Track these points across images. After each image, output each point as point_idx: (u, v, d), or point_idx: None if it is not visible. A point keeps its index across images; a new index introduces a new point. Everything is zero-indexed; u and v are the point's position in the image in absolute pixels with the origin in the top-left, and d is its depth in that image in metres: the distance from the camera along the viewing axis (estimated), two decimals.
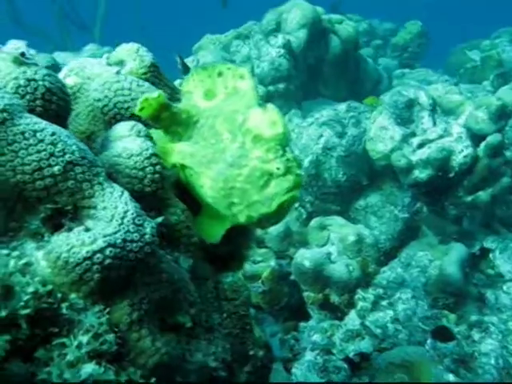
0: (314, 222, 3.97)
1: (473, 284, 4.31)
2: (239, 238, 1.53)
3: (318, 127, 4.55)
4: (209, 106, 1.36)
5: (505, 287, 4.21)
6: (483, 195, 4.19)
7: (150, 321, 1.09)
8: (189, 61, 5.73)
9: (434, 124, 4.31)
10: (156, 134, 1.36)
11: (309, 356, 2.82)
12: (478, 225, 4.57)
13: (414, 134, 4.28)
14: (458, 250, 4.23)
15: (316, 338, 2.98)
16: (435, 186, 4.25)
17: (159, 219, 1.15)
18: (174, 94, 1.56)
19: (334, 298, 3.55)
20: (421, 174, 4.16)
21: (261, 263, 3.67)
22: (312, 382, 2.52)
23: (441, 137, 4.18)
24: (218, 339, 1.28)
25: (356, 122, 4.51)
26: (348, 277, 3.56)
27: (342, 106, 4.66)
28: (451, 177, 4.17)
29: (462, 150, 4.11)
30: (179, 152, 1.33)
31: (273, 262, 3.69)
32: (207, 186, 1.29)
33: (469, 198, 4.27)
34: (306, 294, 3.63)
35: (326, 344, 2.94)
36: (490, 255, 4.42)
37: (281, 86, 5.52)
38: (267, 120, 1.25)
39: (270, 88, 5.51)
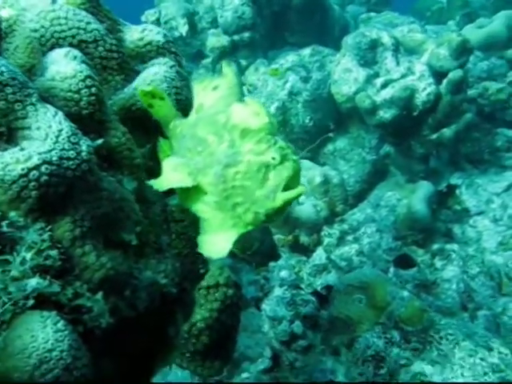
0: None
1: (441, 220, 4.42)
2: None
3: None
4: (193, 118, 1.34)
5: (471, 221, 4.32)
6: (447, 132, 4.25)
7: (94, 237, 1.12)
8: (151, 13, 5.62)
9: (398, 64, 4.33)
10: (164, 145, 1.38)
11: (277, 292, 2.90)
12: (445, 163, 4.66)
13: (377, 75, 4.29)
14: (424, 188, 4.31)
15: (284, 274, 3.06)
16: (400, 125, 4.30)
17: (99, 141, 1.17)
18: (115, 26, 1.55)
19: (304, 239, 3.63)
20: (385, 114, 4.20)
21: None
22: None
23: (404, 76, 4.21)
24: (167, 259, 1.32)
25: (320, 66, 4.51)
26: (316, 217, 3.63)
27: (307, 51, 4.64)
28: (416, 115, 4.21)
29: (425, 88, 4.15)
30: (172, 170, 1.29)
31: None
32: (208, 192, 1.25)
33: (434, 136, 4.34)
34: (276, 236, 3.70)
35: (293, 279, 3.02)
36: (457, 191, 4.52)
37: (246, 35, 5.45)
38: (250, 112, 1.22)
39: (235, 37, 5.44)
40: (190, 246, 1.36)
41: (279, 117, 4.49)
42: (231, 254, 3.89)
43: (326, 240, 3.56)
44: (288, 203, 1.22)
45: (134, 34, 1.54)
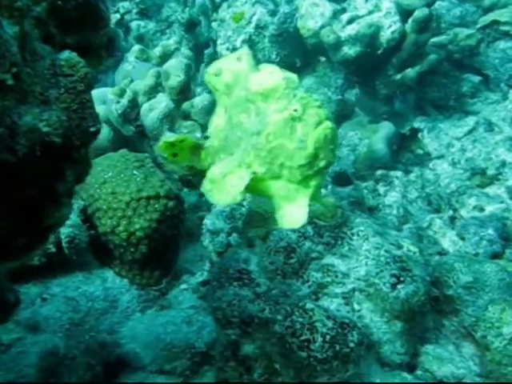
0: None
1: (401, 163, 4.46)
2: (91, 33, 1.56)
3: (250, 6, 4.48)
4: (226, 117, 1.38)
5: (430, 164, 4.35)
6: (411, 72, 4.24)
7: None
8: None
9: (366, 1, 4.28)
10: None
11: (218, 207, 2.94)
12: (410, 106, 4.66)
13: (345, 11, 4.25)
14: (385, 128, 4.33)
15: None
16: (365, 63, 4.28)
17: None
18: None
19: None
20: (349, 51, 4.17)
21: (187, 135, 3.71)
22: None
23: (370, 12, 4.17)
24: (53, 110, 1.33)
25: (289, 0, 4.45)
26: None
27: None
28: (380, 53, 4.19)
29: (390, 26, 4.11)
30: (221, 177, 1.34)
31: (198, 134, 3.73)
32: (256, 167, 1.28)
33: (398, 76, 4.33)
34: None
35: None
36: (419, 135, 4.54)
37: None
38: (265, 74, 1.27)
39: None
40: (79, 102, 1.37)
41: None
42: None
43: None
44: (322, 146, 1.23)
45: None
